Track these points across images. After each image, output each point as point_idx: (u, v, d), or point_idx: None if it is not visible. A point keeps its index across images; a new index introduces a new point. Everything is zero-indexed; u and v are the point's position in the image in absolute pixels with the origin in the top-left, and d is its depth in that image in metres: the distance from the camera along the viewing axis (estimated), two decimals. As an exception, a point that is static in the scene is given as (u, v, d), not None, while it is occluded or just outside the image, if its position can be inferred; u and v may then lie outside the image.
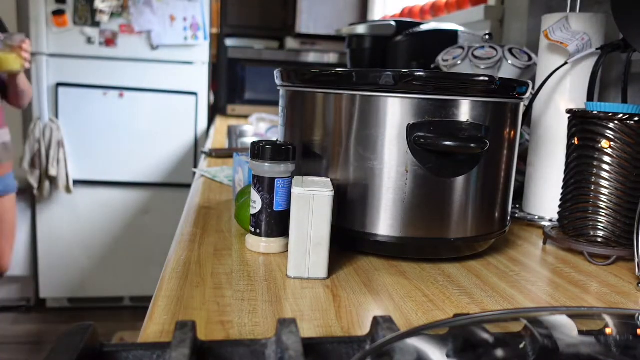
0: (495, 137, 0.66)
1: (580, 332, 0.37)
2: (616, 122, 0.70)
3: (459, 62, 1.07)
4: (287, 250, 0.61)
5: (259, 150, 0.66)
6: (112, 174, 2.65)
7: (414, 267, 0.66)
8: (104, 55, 2.56)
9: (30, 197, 2.65)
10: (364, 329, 0.49)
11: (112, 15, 2.55)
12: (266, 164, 0.65)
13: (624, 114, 0.69)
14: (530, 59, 1.06)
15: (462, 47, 1.09)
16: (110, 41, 2.58)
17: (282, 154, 0.65)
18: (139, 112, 2.59)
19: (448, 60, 1.09)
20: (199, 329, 0.47)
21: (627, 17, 0.75)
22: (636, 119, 0.69)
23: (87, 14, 2.54)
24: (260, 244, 0.67)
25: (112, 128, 2.60)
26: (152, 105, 2.61)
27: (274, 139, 0.71)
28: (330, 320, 0.51)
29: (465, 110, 0.63)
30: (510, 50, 1.06)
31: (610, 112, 0.70)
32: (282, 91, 0.75)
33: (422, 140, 0.61)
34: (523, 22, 1.34)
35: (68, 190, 2.59)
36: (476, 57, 1.05)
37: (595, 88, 0.84)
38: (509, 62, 1.04)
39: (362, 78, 0.63)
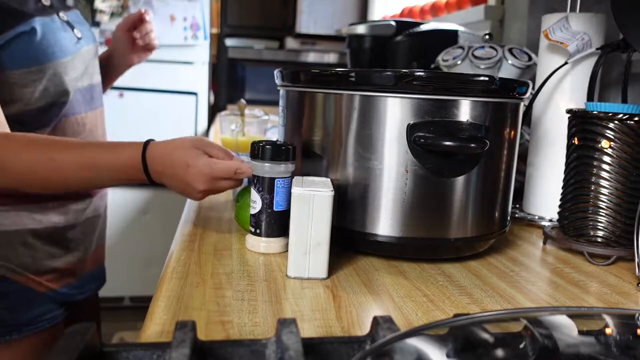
0: (495, 137, 0.66)
1: (580, 332, 0.37)
2: (616, 122, 0.70)
3: (459, 62, 1.07)
4: (287, 250, 0.61)
5: (258, 150, 0.66)
6: (112, 174, 2.65)
7: (414, 267, 0.66)
8: (104, 55, 2.56)
9: (30, 197, 2.64)
10: (364, 329, 0.49)
11: (112, 15, 2.55)
12: (266, 164, 0.65)
13: (624, 114, 0.69)
14: (530, 59, 1.06)
15: (462, 47, 1.09)
16: (110, 41, 2.58)
17: (282, 154, 0.65)
18: (139, 112, 2.59)
19: (448, 60, 1.09)
20: (199, 329, 0.47)
21: (627, 17, 0.75)
22: (636, 119, 0.69)
23: (87, 14, 2.54)
24: (260, 244, 0.67)
25: (111, 128, 2.59)
26: (152, 105, 2.60)
27: (274, 139, 0.71)
28: (330, 320, 0.51)
29: (465, 110, 0.63)
30: (510, 50, 1.06)
31: (610, 112, 0.70)
32: (282, 91, 0.75)
33: (422, 140, 0.61)
34: (523, 22, 1.34)
35: (68, 190, 2.58)
36: (476, 57, 1.05)
37: (595, 88, 0.84)
38: (509, 62, 1.04)
39: (362, 78, 0.63)
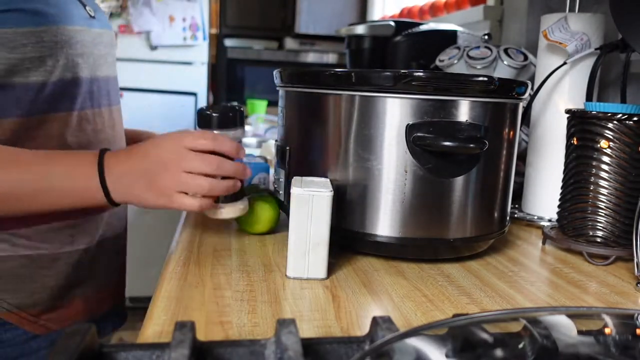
0: (494, 137, 0.66)
1: (580, 332, 0.37)
2: (615, 122, 0.70)
3: (455, 62, 1.07)
4: (242, 214, 0.64)
5: (205, 119, 0.64)
6: (112, 174, 2.65)
7: (413, 268, 0.66)
8: (103, 55, 2.56)
9: (29, 197, 2.64)
10: (364, 329, 0.49)
11: (112, 15, 2.54)
12: (215, 132, 0.63)
13: (623, 114, 0.69)
14: (526, 58, 1.06)
15: (458, 48, 1.10)
16: (109, 41, 2.57)
17: (230, 121, 0.64)
18: (139, 112, 2.59)
19: (444, 61, 1.09)
20: (198, 329, 0.47)
21: (626, 17, 0.75)
22: (635, 119, 0.69)
23: (86, 15, 2.54)
24: (221, 211, 0.65)
25: (111, 128, 2.59)
26: (152, 105, 2.61)
27: (230, 105, 0.68)
28: (329, 320, 0.51)
29: (464, 111, 0.63)
30: (505, 50, 1.06)
31: (609, 112, 0.70)
32: (281, 91, 0.75)
33: (421, 140, 0.61)
34: (522, 22, 1.34)
35: (67, 190, 2.58)
36: (471, 57, 1.05)
37: (594, 88, 0.84)
38: (504, 62, 1.04)
39: (361, 78, 0.63)
